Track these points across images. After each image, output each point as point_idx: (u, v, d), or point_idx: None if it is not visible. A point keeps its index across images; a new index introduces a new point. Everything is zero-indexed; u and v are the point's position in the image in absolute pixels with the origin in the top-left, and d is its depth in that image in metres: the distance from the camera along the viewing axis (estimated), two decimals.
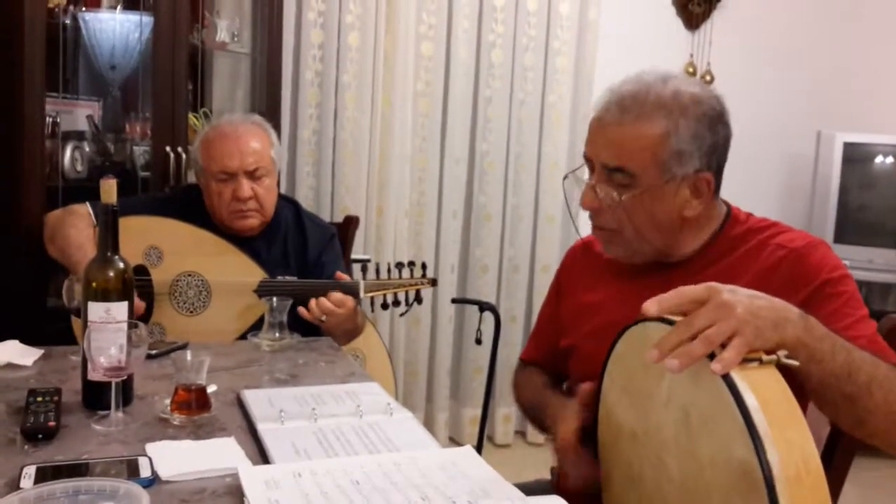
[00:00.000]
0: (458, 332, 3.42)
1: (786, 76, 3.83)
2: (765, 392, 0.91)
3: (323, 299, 1.87)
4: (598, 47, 3.38)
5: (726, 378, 0.91)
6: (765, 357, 0.95)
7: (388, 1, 3.06)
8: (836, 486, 1.29)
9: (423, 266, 2.02)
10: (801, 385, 1.04)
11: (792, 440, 0.89)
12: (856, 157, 3.55)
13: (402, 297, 2.01)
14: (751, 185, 3.44)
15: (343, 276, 1.95)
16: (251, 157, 1.98)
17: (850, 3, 3.90)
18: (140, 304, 1.86)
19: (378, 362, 2.44)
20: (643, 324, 1.07)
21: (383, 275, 1.99)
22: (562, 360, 1.49)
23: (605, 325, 1.26)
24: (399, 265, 2.00)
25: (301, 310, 1.87)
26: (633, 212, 1.28)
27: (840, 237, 3.55)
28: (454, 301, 3.00)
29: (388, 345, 2.99)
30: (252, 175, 1.98)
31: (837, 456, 1.28)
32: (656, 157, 1.25)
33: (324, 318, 1.87)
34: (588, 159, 1.33)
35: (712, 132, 1.27)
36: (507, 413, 3.46)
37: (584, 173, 1.35)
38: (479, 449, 2.53)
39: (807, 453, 0.90)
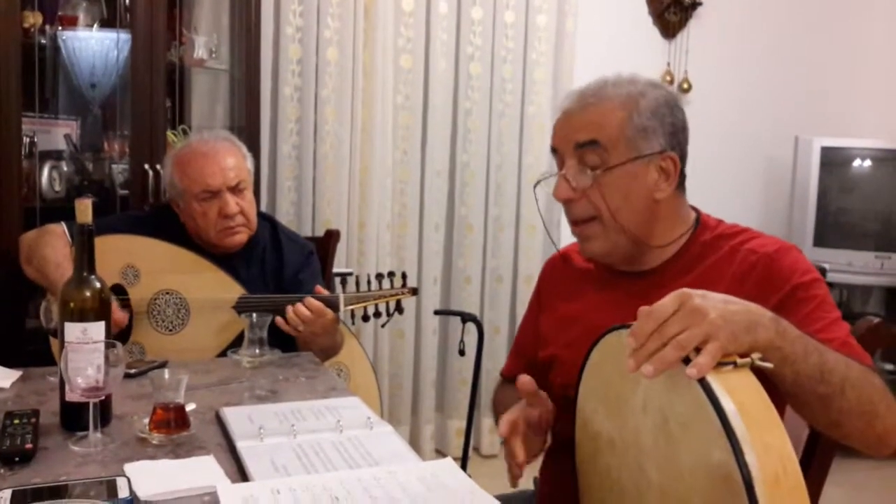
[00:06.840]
0: (442, 344, 3.42)
1: (762, 82, 3.86)
2: (741, 396, 0.91)
3: (300, 306, 1.87)
4: (575, 58, 3.40)
5: (703, 382, 0.92)
6: (739, 360, 0.95)
7: (365, 15, 3.07)
8: (816, 487, 1.29)
9: (404, 276, 2.02)
10: (778, 389, 1.05)
11: (770, 443, 0.89)
12: (833, 161, 3.59)
13: (382, 308, 2.01)
14: (730, 191, 3.46)
15: (323, 291, 1.95)
16: (232, 172, 1.98)
17: (825, 9, 3.95)
18: (123, 316, 1.85)
19: (362, 376, 2.44)
20: (617, 332, 1.07)
21: (363, 287, 1.99)
22: (542, 373, 1.49)
23: (584, 334, 1.26)
24: (379, 276, 1.99)
25: (279, 320, 1.86)
26: (608, 189, 1.29)
27: (819, 241, 3.58)
28: (437, 312, 3.01)
29: (372, 358, 2.98)
30: (235, 189, 1.98)
31: (817, 457, 1.29)
32: (623, 133, 1.29)
33: (301, 327, 1.87)
34: (556, 153, 1.36)
35: (671, 112, 1.33)
36: (492, 424, 3.44)
37: (554, 178, 1.36)
38: (464, 460, 2.53)
39: (784, 456, 0.90)
